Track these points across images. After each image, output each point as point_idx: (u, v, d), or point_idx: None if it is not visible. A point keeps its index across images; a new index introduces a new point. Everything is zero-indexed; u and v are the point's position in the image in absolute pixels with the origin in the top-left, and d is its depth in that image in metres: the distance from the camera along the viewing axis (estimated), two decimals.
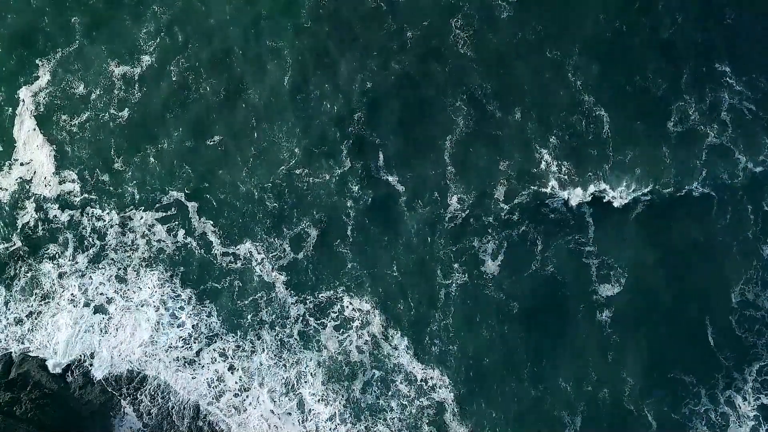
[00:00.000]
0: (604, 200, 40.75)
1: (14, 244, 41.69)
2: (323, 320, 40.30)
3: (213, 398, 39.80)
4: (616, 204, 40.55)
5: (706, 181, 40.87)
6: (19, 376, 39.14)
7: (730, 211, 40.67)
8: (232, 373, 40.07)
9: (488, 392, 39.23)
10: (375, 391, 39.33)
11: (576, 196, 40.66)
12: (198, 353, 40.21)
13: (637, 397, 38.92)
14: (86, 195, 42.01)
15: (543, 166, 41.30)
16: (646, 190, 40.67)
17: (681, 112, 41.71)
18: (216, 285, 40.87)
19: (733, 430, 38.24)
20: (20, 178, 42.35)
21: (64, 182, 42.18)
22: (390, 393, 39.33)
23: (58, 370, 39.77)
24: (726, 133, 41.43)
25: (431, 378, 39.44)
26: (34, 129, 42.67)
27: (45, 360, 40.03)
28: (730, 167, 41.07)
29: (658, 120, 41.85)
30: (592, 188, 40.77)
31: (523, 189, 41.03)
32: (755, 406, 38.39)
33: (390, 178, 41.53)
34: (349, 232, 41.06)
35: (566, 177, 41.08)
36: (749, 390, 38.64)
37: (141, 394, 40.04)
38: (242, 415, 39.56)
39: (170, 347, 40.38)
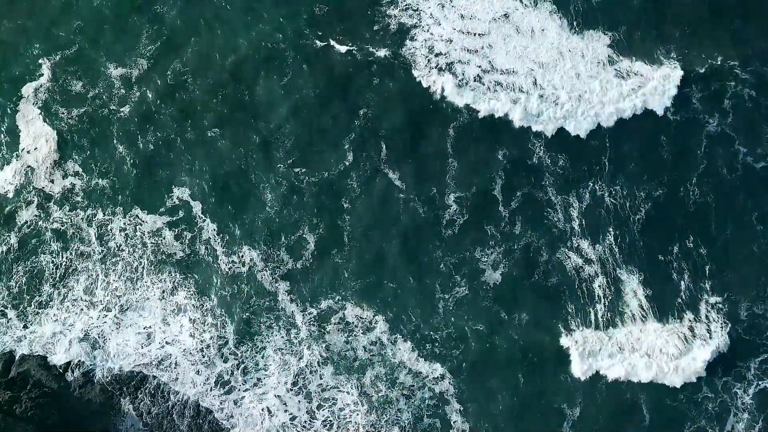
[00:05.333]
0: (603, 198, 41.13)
1: (16, 242, 41.82)
2: (327, 326, 40.27)
3: (223, 394, 39.74)
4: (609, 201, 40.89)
5: (706, 175, 41.04)
6: (19, 375, 38.96)
7: (732, 206, 40.91)
8: (240, 369, 40.05)
9: (489, 389, 39.22)
10: (382, 385, 39.31)
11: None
12: (208, 352, 40.22)
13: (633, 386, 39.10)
14: (89, 192, 42.34)
15: (536, 160, 41.64)
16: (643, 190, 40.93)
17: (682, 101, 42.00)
18: (222, 290, 40.94)
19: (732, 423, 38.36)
20: (27, 166, 42.58)
21: (67, 176, 42.48)
22: (396, 387, 39.28)
23: (62, 362, 39.72)
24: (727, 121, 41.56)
25: (434, 371, 39.41)
26: (38, 119, 43.14)
27: (47, 358, 39.99)
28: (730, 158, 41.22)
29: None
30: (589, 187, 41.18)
31: (520, 188, 41.22)
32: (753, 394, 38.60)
33: (390, 177, 41.78)
34: (346, 239, 41.19)
35: (561, 171, 41.41)
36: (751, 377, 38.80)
37: (141, 393, 39.90)
38: (252, 407, 39.48)
39: (181, 344, 40.40)
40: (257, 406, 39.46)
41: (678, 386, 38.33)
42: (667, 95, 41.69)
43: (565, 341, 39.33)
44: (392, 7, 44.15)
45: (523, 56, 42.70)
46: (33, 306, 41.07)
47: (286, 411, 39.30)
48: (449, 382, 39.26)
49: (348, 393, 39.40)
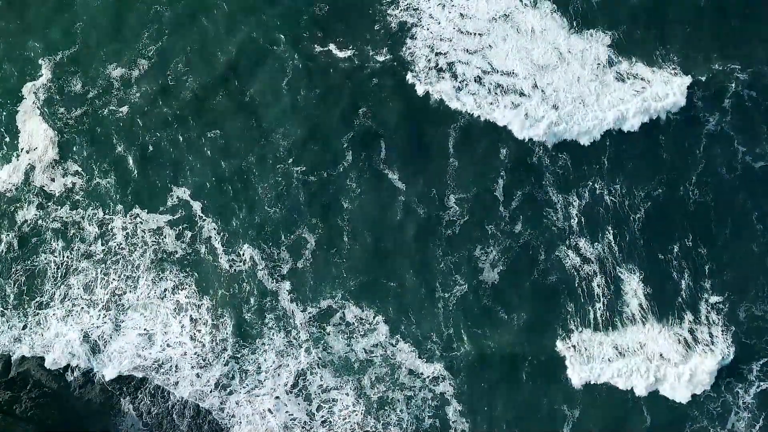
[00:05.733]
0: (602, 196, 41.04)
1: (16, 242, 41.80)
2: (326, 327, 40.26)
3: (223, 395, 39.67)
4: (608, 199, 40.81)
5: (705, 174, 40.92)
6: (19, 375, 39.11)
7: (732, 206, 40.78)
8: (241, 371, 39.98)
9: (489, 389, 39.29)
10: (382, 386, 39.28)
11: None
12: (208, 354, 40.16)
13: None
14: (90, 191, 42.36)
15: (536, 160, 41.60)
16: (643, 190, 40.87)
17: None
18: (223, 290, 40.96)
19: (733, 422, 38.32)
20: (28, 165, 42.58)
21: (67, 175, 42.48)
22: (396, 387, 39.25)
23: (61, 365, 39.71)
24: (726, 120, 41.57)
25: (434, 372, 39.37)
26: (38, 119, 43.15)
27: (46, 359, 40.02)
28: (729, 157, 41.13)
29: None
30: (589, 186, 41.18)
31: (520, 187, 41.17)
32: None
33: (390, 177, 41.73)
34: (346, 239, 41.15)
35: (561, 171, 41.34)
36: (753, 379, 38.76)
37: (141, 394, 39.92)
38: (252, 408, 39.41)
39: (182, 347, 40.33)
40: (257, 407, 39.42)
41: (684, 401, 38.24)
42: (667, 96, 41.59)
43: (562, 349, 39.20)
44: (392, 6, 44.11)
45: (523, 58, 42.62)
46: (33, 306, 41.07)
47: (286, 412, 39.27)
48: (449, 383, 39.23)
49: (347, 394, 39.36)
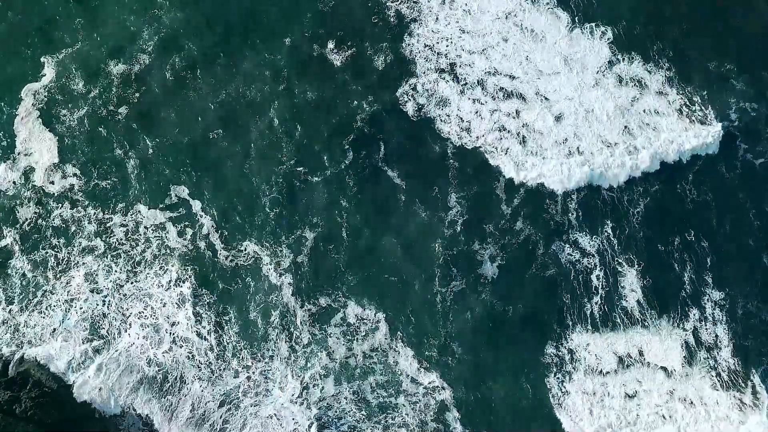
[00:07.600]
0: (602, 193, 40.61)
1: (18, 240, 41.78)
2: (328, 328, 40.09)
3: (225, 402, 39.59)
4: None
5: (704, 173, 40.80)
6: (18, 374, 38.98)
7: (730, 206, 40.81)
8: (247, 372, 39.86)
9: (489, 392, 39.29)
10: (383, 391, 39.16)
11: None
12: (212, 358, 40.05)
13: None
14: (90, 190, 42.17)
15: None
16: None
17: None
18: (226, 286, 40.86)
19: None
20: (27, 165, 42.48)
21: (66, 176, 42.36)
22: (397, 392, 39.10)
23: (64, 363, 39.77)
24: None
25: (434, 380, 39.24)
26: (38, 122, 42.97)
27: (47, 358, 39.95)
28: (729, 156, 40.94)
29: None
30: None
31: (521, 186, 40.80)
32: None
33: (389, 175, 41.41)
34: (345, 238, 40.92)
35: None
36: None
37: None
38: (254, 413, 39.33)
39: (185, 349, 40.23)
40: (259, 412, 39.29)
41: None
42: (667, 97, 41.09)
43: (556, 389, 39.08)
44: (394, 4, 43.65)
45: (524, 60, 42.14)
46: (34, 304, 41.05)
47: (288, 418, 39.15)
48: (450, 387, 39.24)
49: (346, 399, 39.16)
